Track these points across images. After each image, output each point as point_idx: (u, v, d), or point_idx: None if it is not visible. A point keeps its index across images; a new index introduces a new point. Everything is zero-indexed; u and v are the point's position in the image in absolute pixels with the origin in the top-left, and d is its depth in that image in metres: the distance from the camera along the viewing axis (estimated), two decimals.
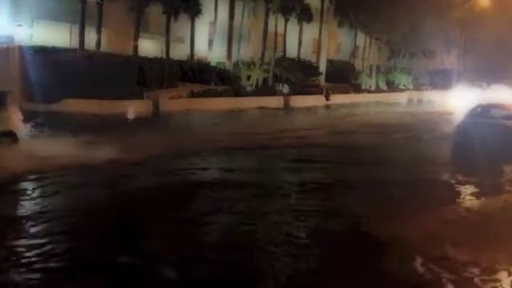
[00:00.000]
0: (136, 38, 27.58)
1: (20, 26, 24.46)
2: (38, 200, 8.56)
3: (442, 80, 55.54)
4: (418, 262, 5.99)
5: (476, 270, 5.83)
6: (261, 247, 6.64)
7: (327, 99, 37.24)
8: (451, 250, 6.49)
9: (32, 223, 7.23)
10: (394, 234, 7.01)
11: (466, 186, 10.47)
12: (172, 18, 29.97)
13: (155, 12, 29.60)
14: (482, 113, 16.34)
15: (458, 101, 31.97)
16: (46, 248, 6.13)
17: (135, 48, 27.44)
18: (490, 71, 58.26)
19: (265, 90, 33.39)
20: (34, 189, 9.29)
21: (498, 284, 5.55)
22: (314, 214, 8.13)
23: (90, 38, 26.24)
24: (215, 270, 5.73)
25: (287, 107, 32.03)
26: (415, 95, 47.60)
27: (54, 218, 7.51)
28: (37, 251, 6.02)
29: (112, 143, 12.85)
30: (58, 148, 11.75)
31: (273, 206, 8.52)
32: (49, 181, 9.68)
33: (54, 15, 26.45)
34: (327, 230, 7.42)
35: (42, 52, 23.15)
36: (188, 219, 7.62)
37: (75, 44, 26.02)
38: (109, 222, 7.48)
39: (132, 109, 22.23)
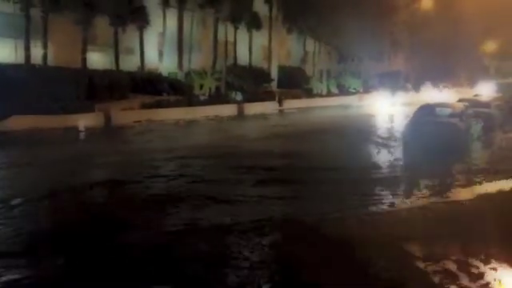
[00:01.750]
0: (84, 50, 27.15)
1: None
2: None
3: (390, 82, 57.00)
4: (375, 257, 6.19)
5: (426, 263, 6.08)
6: None
7: (280, 105, 37.65)
8: (405, 244, 6.72)
9: None
10: (350, 231, 7.22)
11: (416, 182, 10.78)
12: (120, 30, 29.74)
13: (102, 24, 29.22)
14: (428, 112, 16.99)
15: (385, 104, 33.42)
16: None
17: (83, 61, 27.01)
18: (434, 72, 60.34)
19: (218, 98, 33.43)
20: None
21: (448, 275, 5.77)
22: None
23: (36, 52, 25.65)
24: None
25: (241, 115, 32.15)
26: (365, 98, 48.68)
27: None
28: None
29: None
30: None
31: None
32: None
33: None
34: None
35: None
36: None
37: (21, 59, 25.39)
38: None
39: (82, 123, 21.96)
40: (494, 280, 5.62)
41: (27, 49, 25.11)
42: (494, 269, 5.89)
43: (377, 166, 13.09)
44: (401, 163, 14.11)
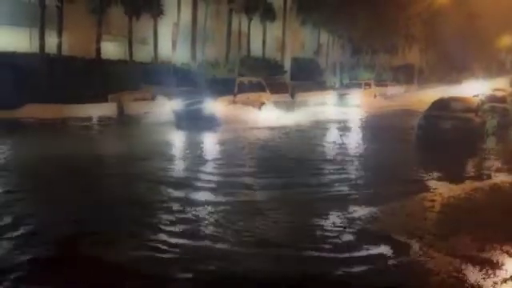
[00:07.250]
0: (98, 40, 27.22)
1: None
2: None
3: (404, 75, 56.64)
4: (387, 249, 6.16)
5: (438, 256, 6.03)
6: None
7: (293, 97, 37.52)
8: (417, 238, 6.68)
9: None
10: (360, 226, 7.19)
11: (429, 176, 10.70)
12: (134, 20, 29.74)
13: (117, 13, 29.26)
14: (443, 106, 16.83)
15: None
16: None
17: (98, 51, 27.09)
18: (448, 66, 59.77)
19: None
20: None
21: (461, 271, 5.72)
22: None
23: (51, 41, 25.75)
24: None
25: None
26: (379, 91, 48.20)
27: None
28: None
29: None
30: None
31: None
32: None
33: (13, 19, 25.93)
34: None
35: (1, 57, 22.59)
36: None
37: (36, 48, 25.49)
38: None
39: (95, 112, 22.10)
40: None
41: (42, 38, 25.19)
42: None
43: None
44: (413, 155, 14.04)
